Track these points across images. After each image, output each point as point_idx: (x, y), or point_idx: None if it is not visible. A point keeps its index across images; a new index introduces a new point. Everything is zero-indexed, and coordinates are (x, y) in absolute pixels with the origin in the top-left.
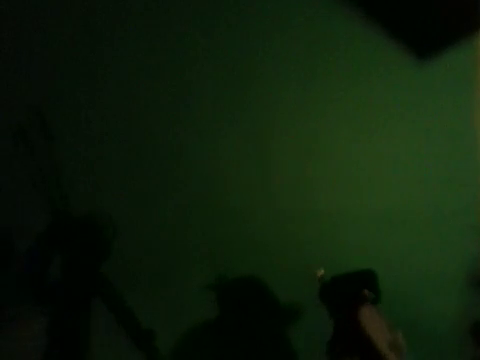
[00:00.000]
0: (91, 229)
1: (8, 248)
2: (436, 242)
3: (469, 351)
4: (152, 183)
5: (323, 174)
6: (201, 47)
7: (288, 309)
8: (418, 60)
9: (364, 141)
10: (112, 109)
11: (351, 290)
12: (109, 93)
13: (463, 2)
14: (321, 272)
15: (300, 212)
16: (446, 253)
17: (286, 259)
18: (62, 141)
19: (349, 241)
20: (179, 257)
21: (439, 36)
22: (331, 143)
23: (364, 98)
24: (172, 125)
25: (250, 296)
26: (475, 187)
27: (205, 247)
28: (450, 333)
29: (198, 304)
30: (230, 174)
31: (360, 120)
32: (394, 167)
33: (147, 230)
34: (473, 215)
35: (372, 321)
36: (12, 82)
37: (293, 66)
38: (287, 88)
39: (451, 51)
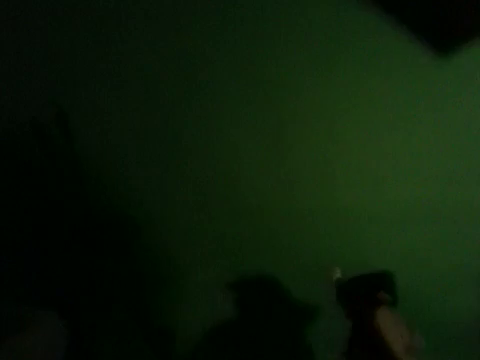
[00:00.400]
0: (112, 229)
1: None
2: (455, 239)
3: None
4: (169, 180)
5: (341, 170)
6: (219, 38)
7: (305, 307)
8: (439, 56)
9: (382, 137)
10: (128, 107)
11: (368, 292)
12: (125, 87)
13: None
14: (337, 274)
15: (318, 208)
16: (466, 250)
17: (303, 255)
18: (80, 139)
19: (367, 237)
20: (195, 255)
21: (458, 32)
22: (349, 139)
23: (383, 95)
24: (188, 121)
25: (266, 293)
26: None
27: (222, 244)
28: (470, 332)
29: (214, 301)
30: (247, 171)
31: (379, 116)
32: (413, 163)
33: (163, 227)
34: None
35: (389, 324)
36: (29, 76)
37: (312, 61)
38: (305, 84)
39: (470, 48)
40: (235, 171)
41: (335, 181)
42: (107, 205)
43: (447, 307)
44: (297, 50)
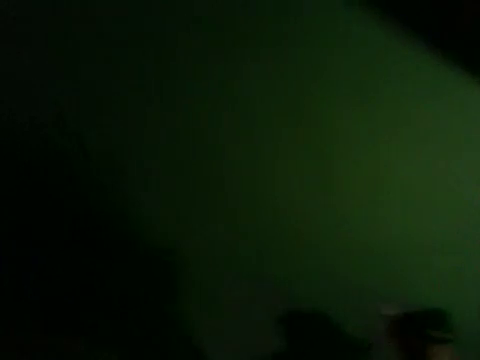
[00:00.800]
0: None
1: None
2: None
3: None
4: (210, 204)
5: (388, 199)
6: (263, 62)
7: (355, 341)
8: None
9: (429, 165)
10: (167, 120)
11: (424, 330)
12: (165, 101)
13: None
14: (389, 309)
15: (364, 237)
16: None
17: (349, 283)
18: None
19: (411, 265)
20: (239, 277)
21: None
22: (395, 166)
23: (431, 121)
24: (235, 143)
25: (313, 323)
26: None
27: (267, 269)
28: None
29: (250, 319)
30: (295, 196)
31: (427, 143)
32: (459, 192)
33: (205, 245)
34: None
35: None
36: (30, 74)
37: (359, 86)
38: (353, 108)
39: None
40: (284, 195)
41: (378, 208)
42: (117, 209)
43: None
44: (345, 76)
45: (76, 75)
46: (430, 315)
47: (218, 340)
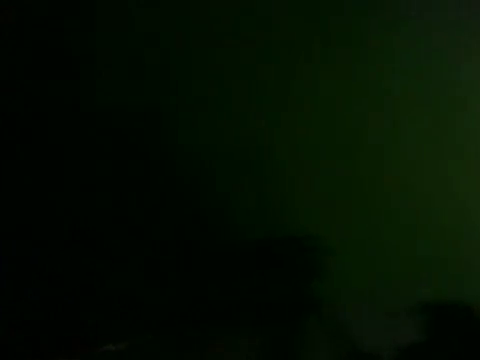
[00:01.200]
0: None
1: None
2: None
3: None
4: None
5: None
6: (404, 63)
7: None
8: None
9: None
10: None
11: None
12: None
13: None
14: None
15: None
16: None
17: None
18: None
19: None
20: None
21: None
22: None
23: None
24: (387, 142)
25: (455, 314)
26: None
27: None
28: None
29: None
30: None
31: None
32: None
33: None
34: None
35: None
36: None
37: None
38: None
39: None
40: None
41: None
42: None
43: None
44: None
45: None
46: None
47: (358, 327)
